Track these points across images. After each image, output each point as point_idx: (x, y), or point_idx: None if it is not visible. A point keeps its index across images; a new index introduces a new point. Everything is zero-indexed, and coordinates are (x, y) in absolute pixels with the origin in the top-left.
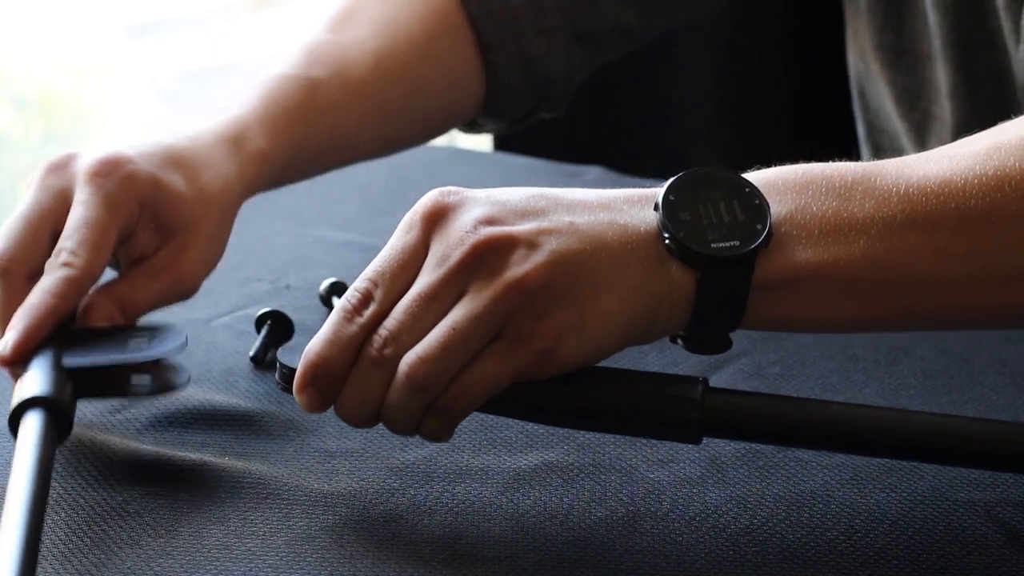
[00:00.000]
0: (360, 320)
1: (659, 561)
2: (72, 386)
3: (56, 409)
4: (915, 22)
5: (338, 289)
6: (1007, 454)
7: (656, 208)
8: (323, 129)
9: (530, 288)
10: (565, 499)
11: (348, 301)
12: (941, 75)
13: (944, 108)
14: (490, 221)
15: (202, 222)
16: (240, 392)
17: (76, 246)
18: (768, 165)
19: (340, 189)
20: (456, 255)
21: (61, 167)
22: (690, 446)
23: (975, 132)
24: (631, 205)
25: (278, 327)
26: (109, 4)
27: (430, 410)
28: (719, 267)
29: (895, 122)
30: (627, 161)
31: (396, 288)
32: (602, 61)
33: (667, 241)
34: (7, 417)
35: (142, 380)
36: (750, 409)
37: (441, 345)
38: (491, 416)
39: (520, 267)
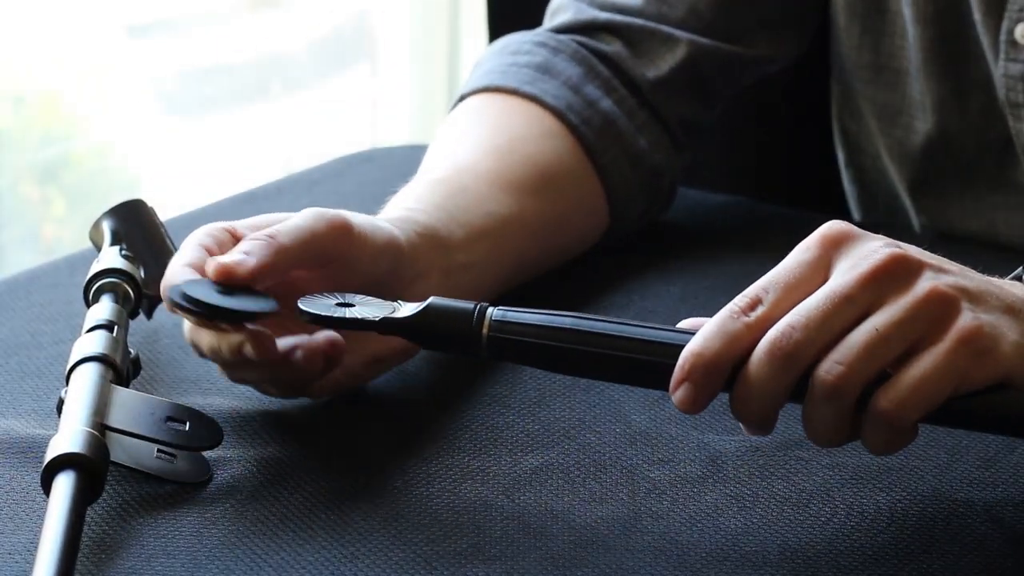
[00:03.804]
0: (746, 319)
1: (660, 560)
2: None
3: (90, 468)
4: (892, 38)
5: None
6: None
7: None
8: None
9: (950, 296)
10: (565, 499)
11: (735, 303)
12: (924, 89)
13: (928, 121)
14: (897, 246)
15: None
16: (240, 393)
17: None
18: (767, 181)
19: (340, 189)
20: (870, 262)
21: None
22: (690, 445)
23: (965, 144)
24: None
25: None
26: (109, 4)
27: (871, 418)
28: None
29: (877, 140)
30: None
31: (790, 296)
32: (685, 158)
33: None
34: (41, 468)
35: (165, 460)
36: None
37: (865, 347)
38: (491, 415)
39: (933, 281)
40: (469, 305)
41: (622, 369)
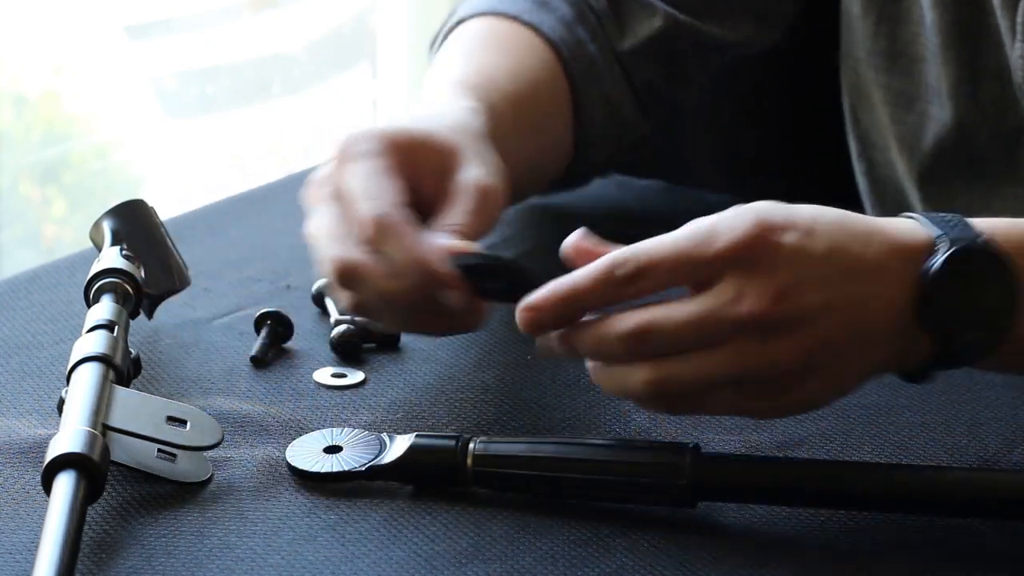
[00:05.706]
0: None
1: (660, 559)
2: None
3: (91, 468)
4: (909, 25)
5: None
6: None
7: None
8: None
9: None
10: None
11: None
12: (940, 75)
13: (944, 108)
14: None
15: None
16: (240, 393)
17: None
18: (766, 179)
19: None
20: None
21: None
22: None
23: (977, 134)
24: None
25: (278, 327)
26: (109, 4)
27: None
28: None
29: (888, 131)
30: (629, 169)
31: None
32: (644, 126)
33: None
34: (41, 468)
35: (166, 460)
36: (741, 472)
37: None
38: (491, 416)
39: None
40: (451, 441)
41: (605, 492)
